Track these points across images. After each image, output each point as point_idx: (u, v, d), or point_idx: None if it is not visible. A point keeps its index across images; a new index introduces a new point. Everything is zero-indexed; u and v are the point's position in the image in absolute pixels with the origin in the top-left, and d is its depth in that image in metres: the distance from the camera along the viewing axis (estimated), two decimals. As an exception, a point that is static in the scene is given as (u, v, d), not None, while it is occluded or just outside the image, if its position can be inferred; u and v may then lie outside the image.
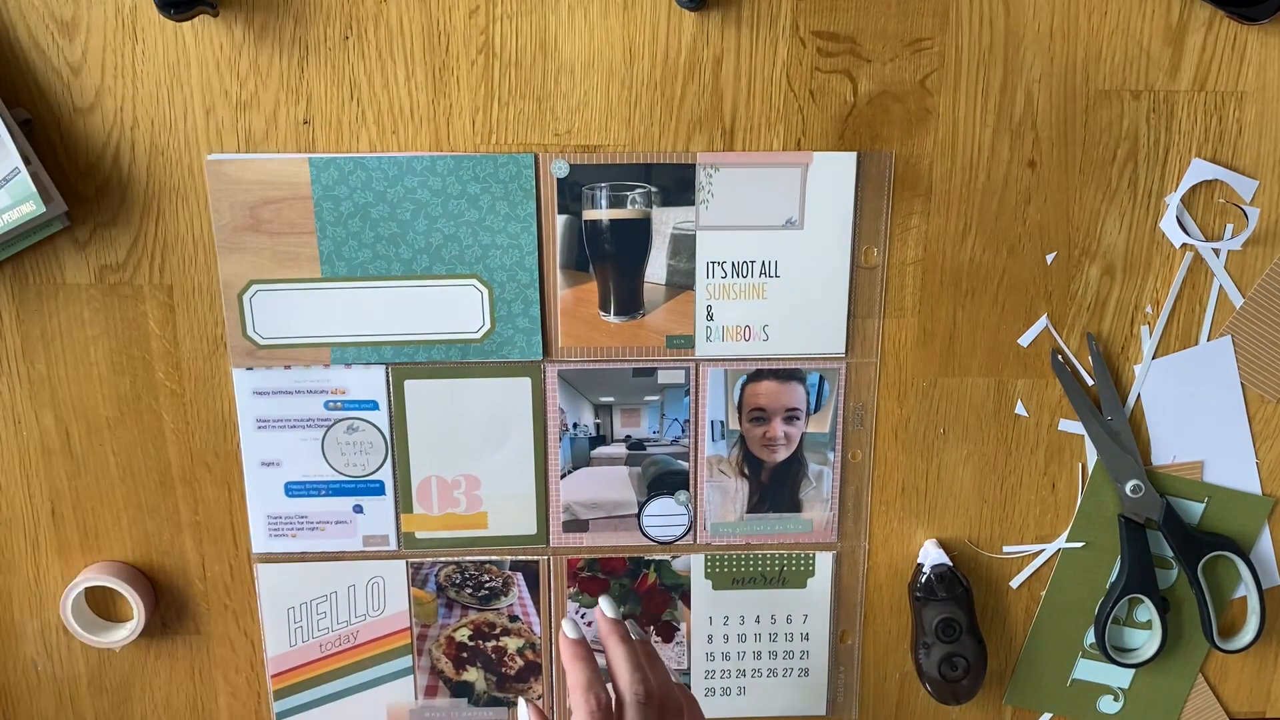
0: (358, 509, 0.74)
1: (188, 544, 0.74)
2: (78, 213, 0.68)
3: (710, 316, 0.72)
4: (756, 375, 0.73)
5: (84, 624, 0.74)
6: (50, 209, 0.65)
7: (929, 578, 0.74)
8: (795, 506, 0.76)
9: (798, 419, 0.74)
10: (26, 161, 0.64)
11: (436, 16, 0.66)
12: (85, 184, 0.68)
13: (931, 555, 0.75)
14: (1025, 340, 0.74)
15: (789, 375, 0.73)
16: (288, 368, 0.71)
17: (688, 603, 0.77)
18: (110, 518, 0.74)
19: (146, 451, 0.73)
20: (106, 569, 0.73)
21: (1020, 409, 0.75)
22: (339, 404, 0.72)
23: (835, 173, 0.69)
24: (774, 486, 0.75)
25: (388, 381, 0.72)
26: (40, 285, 0.69)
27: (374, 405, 0.72)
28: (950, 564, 0.75)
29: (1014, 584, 0.78)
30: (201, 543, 0.75)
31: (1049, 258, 0.72)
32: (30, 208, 0.64)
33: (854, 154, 0.69)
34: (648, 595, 0.77)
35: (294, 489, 0.73)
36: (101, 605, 0.76)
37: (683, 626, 0.78)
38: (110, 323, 0.70)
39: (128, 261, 0.69)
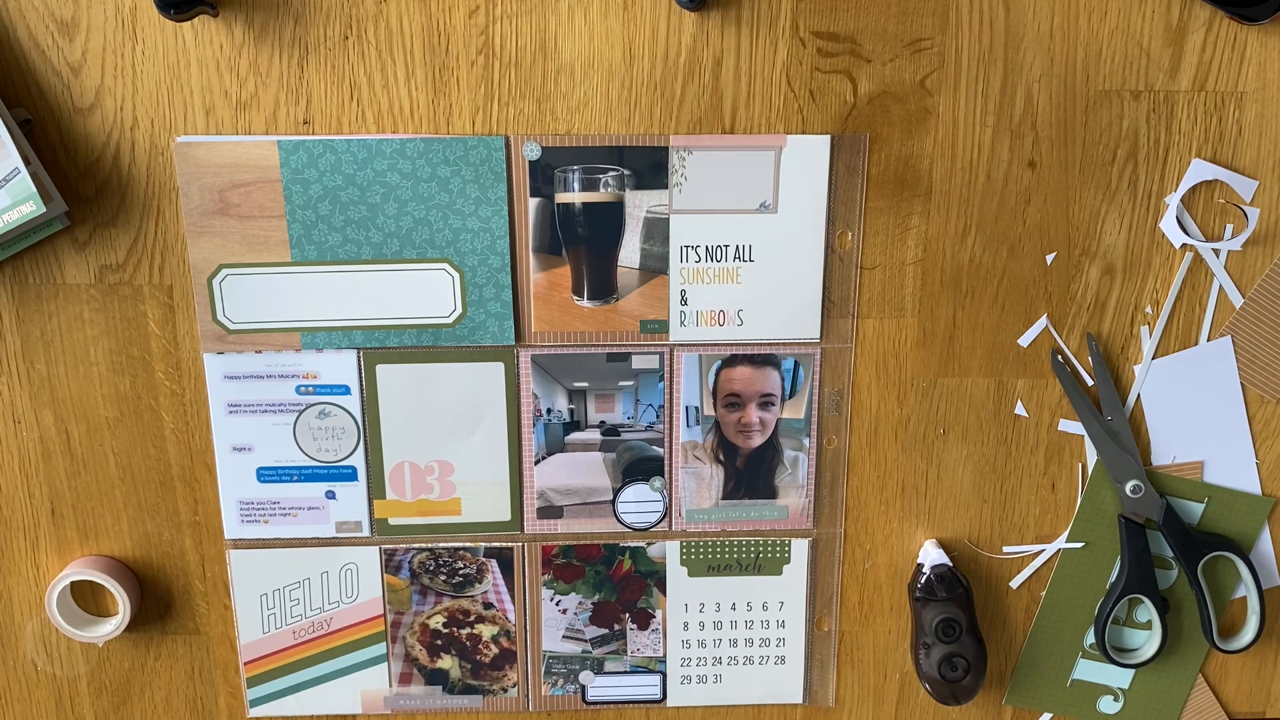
0: (330, 495, 0.74)
1: (187, 544, 0.74)
2: (78, 213, 0.68)
3: (684, 301, 0.72)
4: (731, 360, 0.73)
5: (70, 619, 0.73)
6: (50, 209, 0.66)
7: (929, 578, 0.74)
8: (771, 493, 0.76)
9: (773, 405, 0.74)
10: (26, 161, 0.64)
11: (436, 16, 0.66)
12: (85, 184, 0.68)
13: (931, 555, 0.75)
14: (1025, 340, 0.74)
15: (764, 360, 0.73)
16: (259, 352, 0.71)
17: (663, 590, 0.77)
18: (110, 518, 0.74)
19: (146, 451, 0.73)
20: (92, 564, 0.73)
21: (1020, 409, 0.75)
22: (310, 389, 0.72)
23: (809, 156, 0.69)
24: (749, 473, 0.75)
25: (359, 366, 0.71)
26: (40, 285, 0.69)
27: (345, 390, 0.72)
28: (950, 564, 0.75)
29: (1014, 584, 0.78)
30: (201, 543, 0.75)
31: (1049, 258, 0.72)
32: (30, 208, 0.64)
33: (827, 137, 0.69)
34: (623, 583, 0.77)
35: (266, 474, 0.73)
36: (90, 602, 0.76)
37: (658, 614, 0.78)
38: (110, 323, 0.70)
39: (128, 261, 0.69)
